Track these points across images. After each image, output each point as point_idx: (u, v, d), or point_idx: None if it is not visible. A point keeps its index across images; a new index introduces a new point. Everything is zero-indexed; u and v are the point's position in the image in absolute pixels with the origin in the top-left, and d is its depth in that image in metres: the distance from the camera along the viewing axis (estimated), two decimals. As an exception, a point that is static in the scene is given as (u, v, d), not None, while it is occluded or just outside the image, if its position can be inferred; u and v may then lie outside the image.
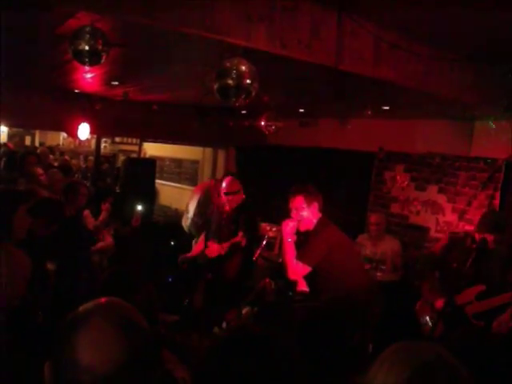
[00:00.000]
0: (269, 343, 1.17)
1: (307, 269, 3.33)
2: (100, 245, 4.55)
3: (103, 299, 1.23)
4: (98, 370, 1.07)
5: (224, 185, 4.83)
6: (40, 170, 6.06)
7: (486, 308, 3.70)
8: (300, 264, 3.31)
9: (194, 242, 5.34)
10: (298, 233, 3.52)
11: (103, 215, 5.05)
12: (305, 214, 3.45)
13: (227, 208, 4.81)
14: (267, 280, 4.72)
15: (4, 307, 1.77)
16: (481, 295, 3.77)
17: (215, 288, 4.79)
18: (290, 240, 3.39)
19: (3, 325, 1.73)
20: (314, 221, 3.47)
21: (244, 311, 4.60)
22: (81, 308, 1.18)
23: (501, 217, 4.08)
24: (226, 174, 6.58)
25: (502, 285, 3.76)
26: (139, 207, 5.62)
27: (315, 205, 3.47)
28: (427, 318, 3.94)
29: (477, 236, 3.87)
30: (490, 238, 3.79)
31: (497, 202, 5.01)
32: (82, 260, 4.21)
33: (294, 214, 3.47)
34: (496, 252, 3.93)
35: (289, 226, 3.41)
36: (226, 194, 4.78)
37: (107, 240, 4.74)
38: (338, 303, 3.17)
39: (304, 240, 3.50)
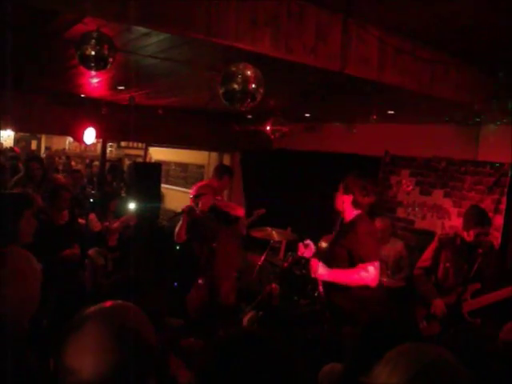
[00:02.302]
0: (269, 346, 1.16)
1: (377, 262, 3.25)
2: (67, 252, 4.41)
3: (109, 303, 1.21)
4: (81, 374, 1.08)
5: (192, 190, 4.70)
6: (62, 178, 6.21)
7: (483, 304, 3.74)
8: (368, 265, 3.21)
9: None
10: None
11: (118, 225, 5.16)
12: (340, 198, 3.50)
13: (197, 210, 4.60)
14: (273, 285, 4.72)
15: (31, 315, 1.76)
16: (476, 293, 3.84)
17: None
18: (325, 272, 3.35)
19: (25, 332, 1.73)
20: (351, 212, 3.44)
21: (249, 315, 4.60)
22: (86, 310, 1.18)
23: (482, 210, 4.11)
24: (218, 167, 6.51)
25: (495, 282, 3.83)
26: (131, 206, 5.62)
27: (348, 197, 3.44)
28: (423, 318, 3.99)
29: (465, 234, 3.92)
30: (476, 231, 3.86)
31: (503, 206, 4.98)
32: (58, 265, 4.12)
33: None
34: (491, 250, 4.03)
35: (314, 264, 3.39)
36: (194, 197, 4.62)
37: (74, 249, 4.60)
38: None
39: (338, 239, 3.49)
